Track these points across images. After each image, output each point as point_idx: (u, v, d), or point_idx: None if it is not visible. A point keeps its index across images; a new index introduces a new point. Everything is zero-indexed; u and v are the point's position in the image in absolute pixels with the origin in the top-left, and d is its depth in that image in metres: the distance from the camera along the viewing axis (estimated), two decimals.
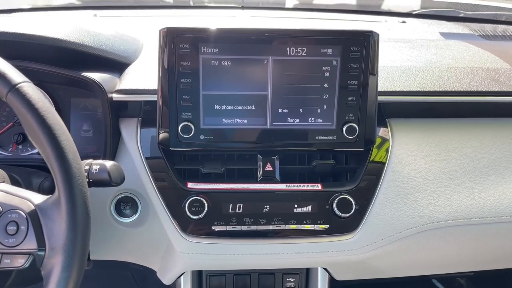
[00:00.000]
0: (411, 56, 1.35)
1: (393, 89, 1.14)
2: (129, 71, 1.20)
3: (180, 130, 1.06)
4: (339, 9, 1.77)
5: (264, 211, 1.06)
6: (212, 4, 1.96)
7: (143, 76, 1.17)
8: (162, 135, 1.08)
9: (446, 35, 1.67)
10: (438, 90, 1.14)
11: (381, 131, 1.14)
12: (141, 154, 1.12)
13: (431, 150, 1.15)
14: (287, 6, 1.98)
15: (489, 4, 1.92)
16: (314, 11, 1.90)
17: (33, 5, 1.87)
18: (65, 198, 0.73)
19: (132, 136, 1.14)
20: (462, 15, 1.91)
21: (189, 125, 1.06)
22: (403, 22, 1.84)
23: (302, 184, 1.08)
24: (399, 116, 1.17)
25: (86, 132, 1.21)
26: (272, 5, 2.11)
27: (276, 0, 2.15)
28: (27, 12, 1.79)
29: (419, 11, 1.94)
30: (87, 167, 0.87)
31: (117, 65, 1.21)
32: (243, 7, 1.86)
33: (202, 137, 1.07)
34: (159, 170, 1.07)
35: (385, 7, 2.05)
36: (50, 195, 0.79)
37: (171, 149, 1.05)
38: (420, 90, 1.15)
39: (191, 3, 2.00)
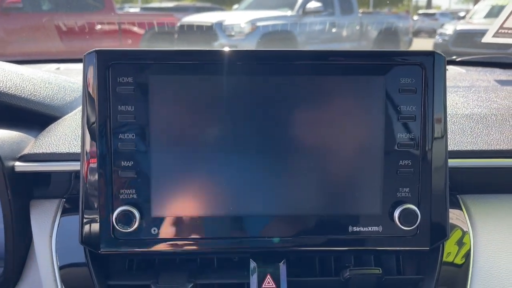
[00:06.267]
0: (480, 101, 0.93)
1: (468, 148, 0.76)
2: (53, 127, 0.79)
3: (117, 219, 0.62)
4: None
5: None
6: None
7: (72, 133, 0.75)
8: (88, 227, 0.64)
9: (504, 83, 1.26)
10: None
11: (452, 216, 0.75)
12: (54, 260, 0.68)
13: None
14: None
15: None
16: None
17: None
18: None
19: (44, 229, 0.71)
20: None
21: (132, 211, 0.62)
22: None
23: None
24: (478, 190, 0.80)
25: None
26: None
27: None
28: None
29: (462, 58, 1.56)
30: None
31: (41, 120, 0.81)
32: None
33: (154, 230, 0.64)
34: None
35: None
36: None
37: (102, 251, 0.63)
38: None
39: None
